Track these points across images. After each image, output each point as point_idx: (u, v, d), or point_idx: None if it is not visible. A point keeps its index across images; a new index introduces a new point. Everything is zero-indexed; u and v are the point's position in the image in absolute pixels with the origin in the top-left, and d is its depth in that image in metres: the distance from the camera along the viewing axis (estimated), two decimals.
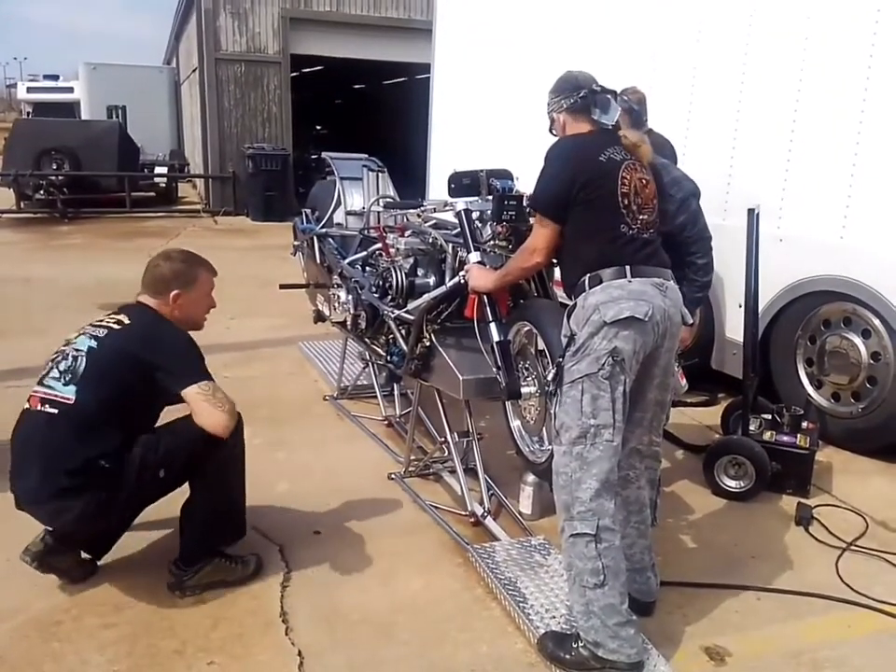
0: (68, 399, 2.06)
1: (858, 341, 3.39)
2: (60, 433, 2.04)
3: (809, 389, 3.60)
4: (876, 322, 3.29)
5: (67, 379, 2.08)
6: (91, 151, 10.94)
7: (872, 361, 3.34)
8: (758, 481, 2.94)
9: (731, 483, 2.98)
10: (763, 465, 2.93)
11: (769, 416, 3.16)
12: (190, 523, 2.24)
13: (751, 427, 3.08)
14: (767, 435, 3.04)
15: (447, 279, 2.72)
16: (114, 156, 11.17)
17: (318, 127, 19.57)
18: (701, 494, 3.00)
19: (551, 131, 2.18)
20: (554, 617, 2.11)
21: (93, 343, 2.12)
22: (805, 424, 3.11)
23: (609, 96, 2.07)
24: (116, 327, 2.15)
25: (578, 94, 2.05)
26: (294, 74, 12.20)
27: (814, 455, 3.01)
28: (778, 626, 2.19)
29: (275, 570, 2.37)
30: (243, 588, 2.26)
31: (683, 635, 2.12)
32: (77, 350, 2.13)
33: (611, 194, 1.96)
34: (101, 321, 2.20)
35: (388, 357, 3.08)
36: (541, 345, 2.29)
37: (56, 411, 2.06)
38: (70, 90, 18.07)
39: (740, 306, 3.33)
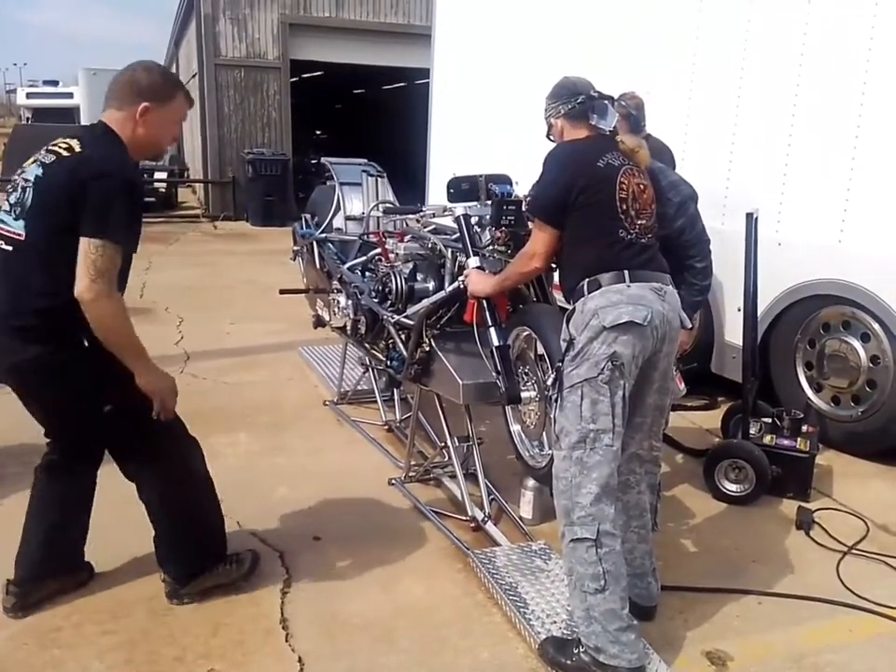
0: (19, 234, 1.88)
1: (857, 344, 3.39)
2: (19, 271, 1.89)
3: (809, 393, 3.60)
4: (875, 326, 3.29)
5: (17, 213, 1.90)
6: None
7: (871, 365, 3.34)
8: (758, 485, 2.93)
9: (731, 487, 2.98)
10: (763, 469, 2.93)
11: (769, 420, 3.16)
12: (162, 550, 2.17)
13: (751, 431, 3.08)
14: (767, 439, 3.04)
15: (446, 284, 2.73)
16: None
17: (318, 132, 19.62)
18: (701, 498, 3.00)
19: (548, 136, 2.18)
20: (555, 622, 2.11)
21: (40, 172, 1.90)
22: (804, 427, 3.11)
23: (606, 102, 2.07)
24: (65, 154, 1.89)
25: (576, 100, 2.05)
26: (294, 79, 12.22)
27: (814, 458, 3.01)
28: (780, 631, 2.19)
29: (275, 577, 2.36)
30: (243, 594, 2.26)
31: (684, 640, 2.12)
32: (25, 180, 1.92)
33: (610, 199, 1.96)
34: (55, 145, 1.93)
35: (388, 362, 3.08)
36: (541, 350, 2.29)
37: (11, 248, 1.89)
38: (70, 95, 18.09)
39: (739, 310, 3.34)
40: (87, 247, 1.81)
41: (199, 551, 2.19)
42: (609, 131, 2.08)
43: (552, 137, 2.17)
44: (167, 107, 1.99)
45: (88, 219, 1.82)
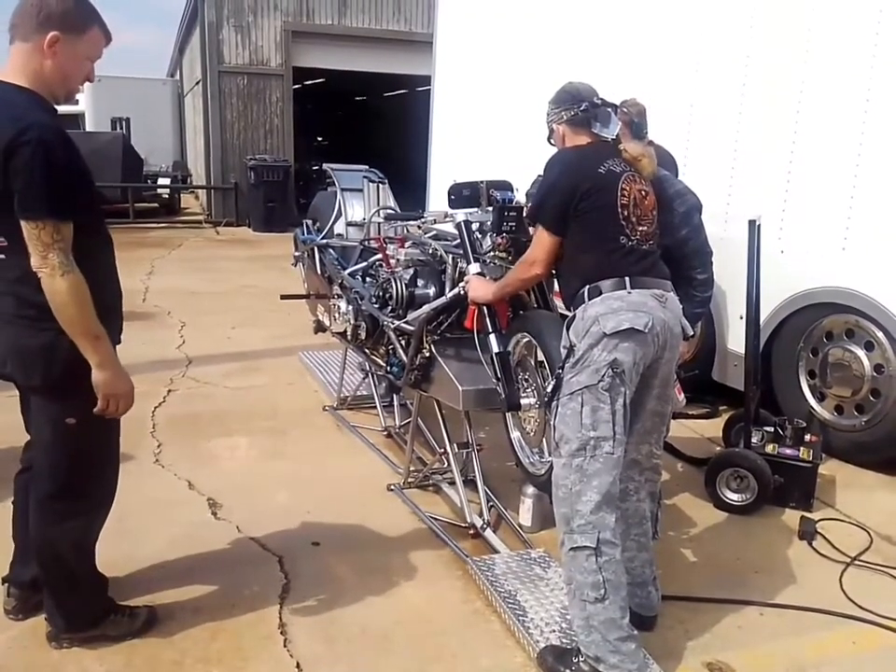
0: (2, 241, 1.75)
1: (861, 353, 3.37)
2: (10, 276, 1.78)
3: (812, 402, 3.58)
4: (879, 334, 3.27)
5: None
6: (95, 162, 10.76)
7: (875, 374, 3.32)
8: (760, 494, 2.91)
9: (733, 497, 2.96)
10: (765, 478, 2.91)
11: (771, 429, 3.14)
12: (46, 599, 2.00)
13: (753, 440, 3.06)
14: (770, 448, 3.02)
15: (447, 290, 2.72)
16: (117, 167, 11.22)
17: (320, 139, 19.71)
18: (703, 507, 2.98)
19: (549, 140, 2.18)
20: (554, 631, 2.09)
21: None
22: (807, 437, 3.09)
23: (609, 110, 2.06)
24: None
25: (578, 107, 2.05)
26: (296, 86, 12.29)
27: (817, 468, 2.99)
28: (781, 642, 2.17)
29: (274, 582, 2.35)
30: (242, 599, 2.25)
31: (685, 650, 2.10)
32: None
33: (611, 206, 1.95)
34: None
35: (388, 368, 3.07)
36: (541, 357, 2.28)
37: (3, 256, 1.76)
38: (75, 101, 18.17)
39: (742, 318, 3.33)
40: (25, 227, 1.68)
41: (80, 610, 2.02)
42: (612, 139, 2.07)
43: (552, 142, 2.16)
44: (81, 40, 1.76)
45: (16, 199, 1.67)
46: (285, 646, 2.06)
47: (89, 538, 2.00)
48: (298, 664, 1.99)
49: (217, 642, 2.06)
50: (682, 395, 2.60)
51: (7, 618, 2.11)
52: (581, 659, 1.91)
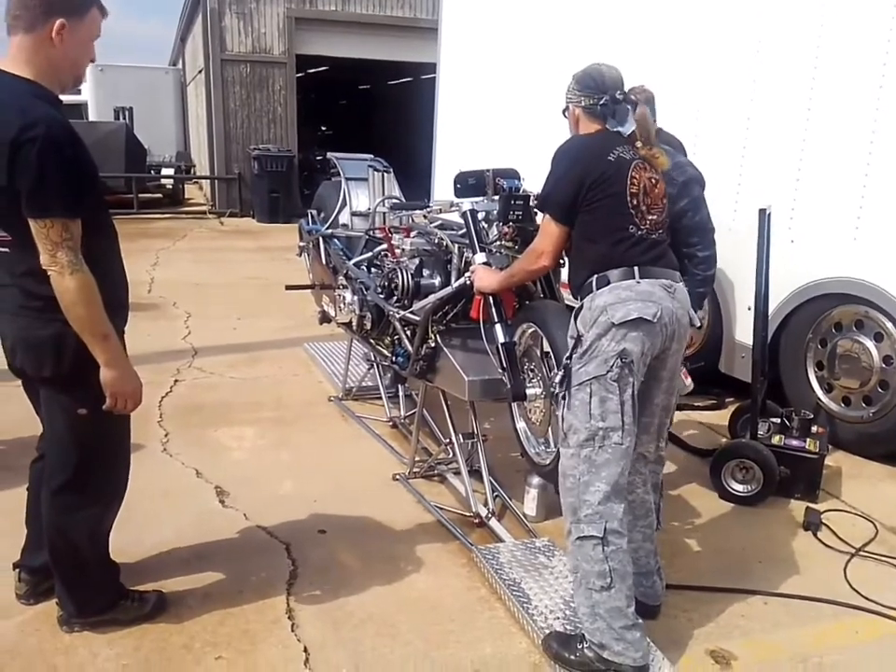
0: (5, 236, 1.74)
1: (870, 344, 3.35)
2: (20, 269, 1.76)
3: (819, 393, 3.56)
4: (889, 325, 3.25)
5: None
6: (98, 152, 10.69)
7: (884, 365, 3.31)
8: (766, 485, 2.91)
9: (738, 488, 2.96)
10: (771, 469, 2.91)
11: (778, 420, 3.14)
12: (57, 585, 2.02)
13: (760, 431, 3.05)
14: (776, 439, 3.02)
15: (453, 280, 2.71)
16: (121, 157, 11.20)
17: (324, 128, 19.63)
18: (708, 498, 2.98)
19: (563, 113, 2.11)
20: (558, 618, 2.10)
21: None
22: (814, 428, 3.09)
23: (629, 107, 2.00)
24: None
25: (599, 100, 1.99)
26: (299, 74, 12.23)
27: (823, 459, 2.99)
28: (785, 631, 2.17)
29: (281, 568, 2.37)
30: (250, 585, 2.27)
31: (689, 638, 2.11)
32: None
33: (620, 194, 1.93)
34: None
35: (393, 358, 3.08)
36: (547, 347, 2.28)
37: (7, 250, 1.76)
38: (77, 91, 18.15)
39: (749, 308, 3.31)
40: (34, 225, 1.66)
41: (91, 597, 2.04)
42: (627, 136, 2.02)
43: (566, 115, 2.10)
44: (84, 22, 1.72)
45: (23, 197, 1.64)
46: (292, 630, 2.08)
47: (102, 527, 2.02)
48: (305, 648, 2.02)
49: (225, 627, 2.08)
50: (689, 378, 2.58)
51: (18, 602, 2.13)
52: (585, 645, 1.92)
